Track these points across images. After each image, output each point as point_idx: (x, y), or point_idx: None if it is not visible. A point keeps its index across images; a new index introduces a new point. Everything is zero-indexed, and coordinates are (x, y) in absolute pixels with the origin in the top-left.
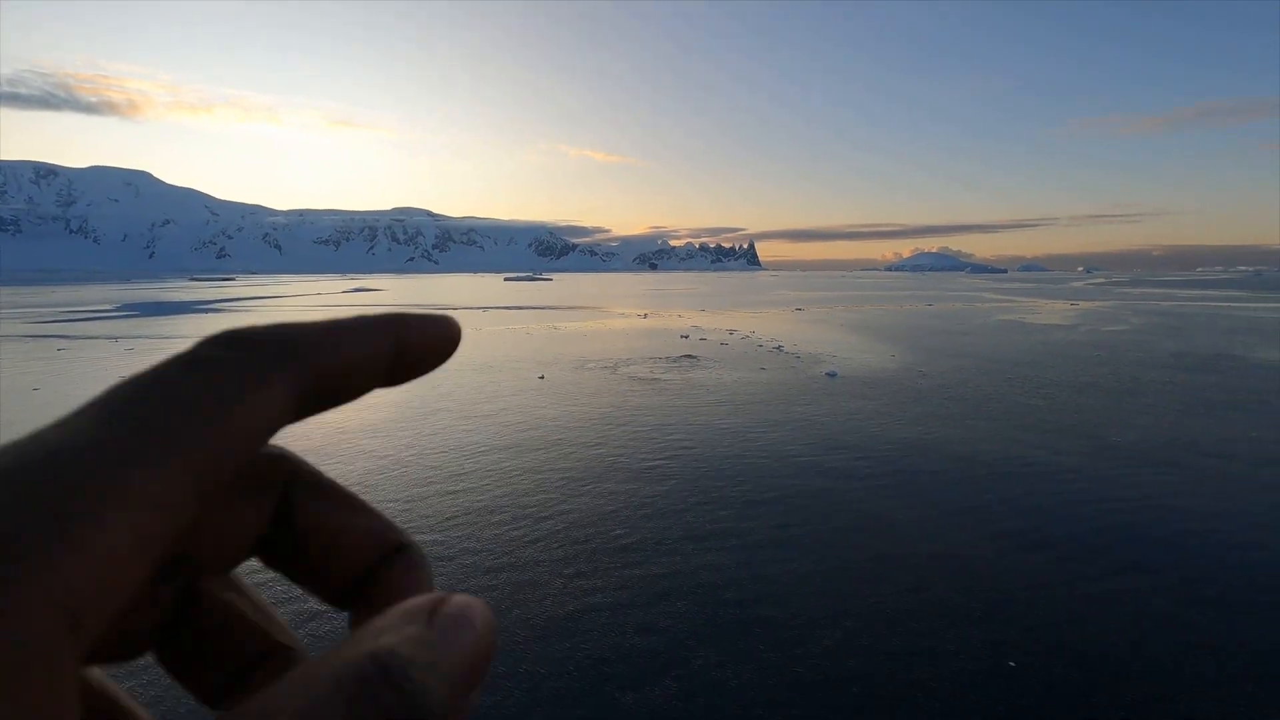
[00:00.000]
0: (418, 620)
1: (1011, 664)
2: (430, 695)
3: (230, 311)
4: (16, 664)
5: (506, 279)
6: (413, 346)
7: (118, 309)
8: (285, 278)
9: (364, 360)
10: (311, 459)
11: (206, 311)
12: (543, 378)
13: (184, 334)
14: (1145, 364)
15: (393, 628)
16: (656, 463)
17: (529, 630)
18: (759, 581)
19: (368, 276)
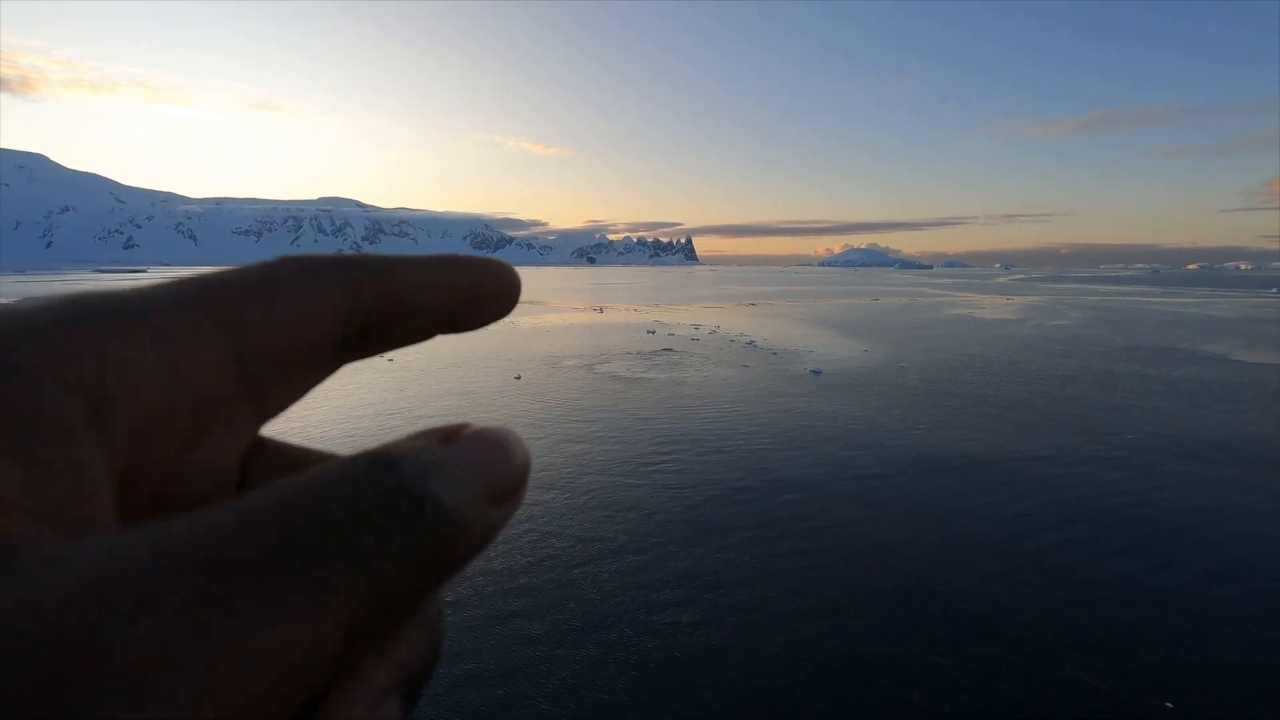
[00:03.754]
0: (428, 439)
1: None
2: (432, 486)
3: None
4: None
5: None
6: (488, 291)
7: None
8: (203, 270)
9: (434, 294)
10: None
11: None
12: (519, 377)
13: None
14: (1109, 357)
15: (400, 444)
16: (664, 471)
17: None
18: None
19: None
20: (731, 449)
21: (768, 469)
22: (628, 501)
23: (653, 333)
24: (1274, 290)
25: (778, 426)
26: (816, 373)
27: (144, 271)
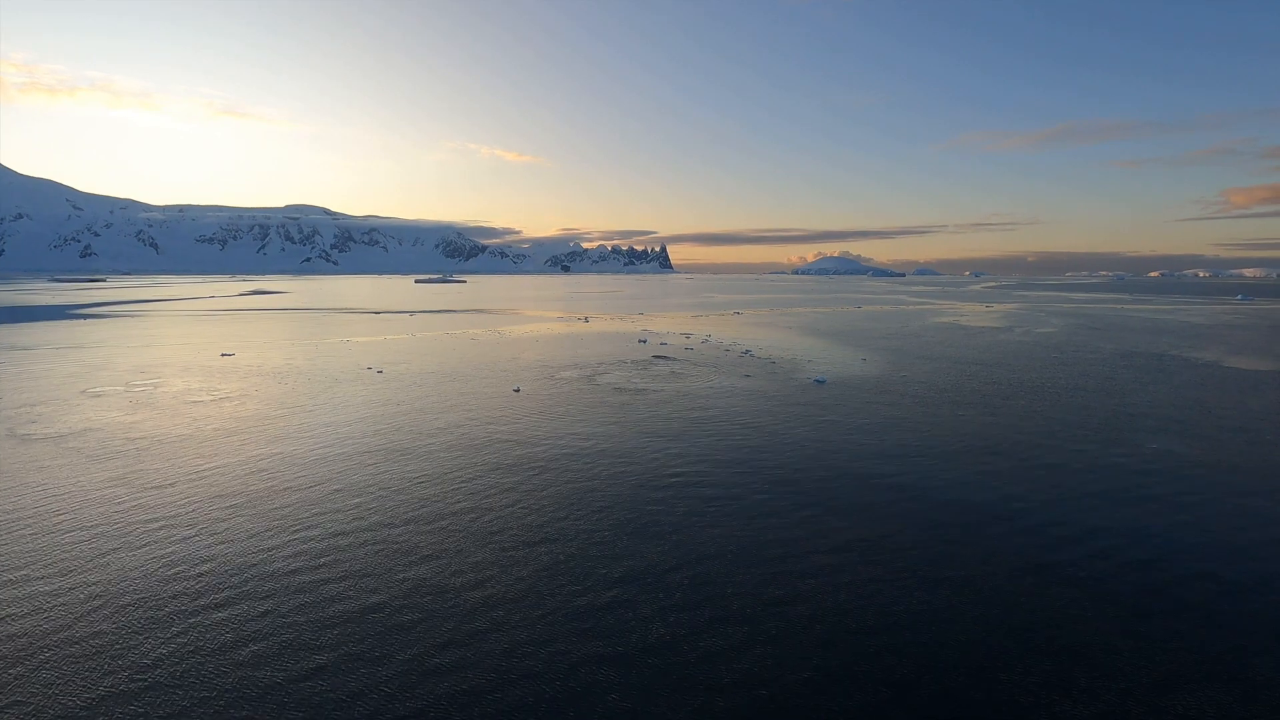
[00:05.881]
0: None
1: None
2: None
3: (108, 318)
4: None
5: (418, 281)
6: None
7: None
8: (165, 279)
9: None
10: (295, 495)
11: (78, 317)
12: (518, 390)
13: (56, 343)
14: (1107, 365)
15: None
16: (684, 490)
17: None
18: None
19: (261, 278)
20: (752, 464)
21: (794, 484)
22: (648, 524)
23: (644, 341)
24: (1239, 297)
25: (795, 440)
26: (821, 382)
27: (103, 281)
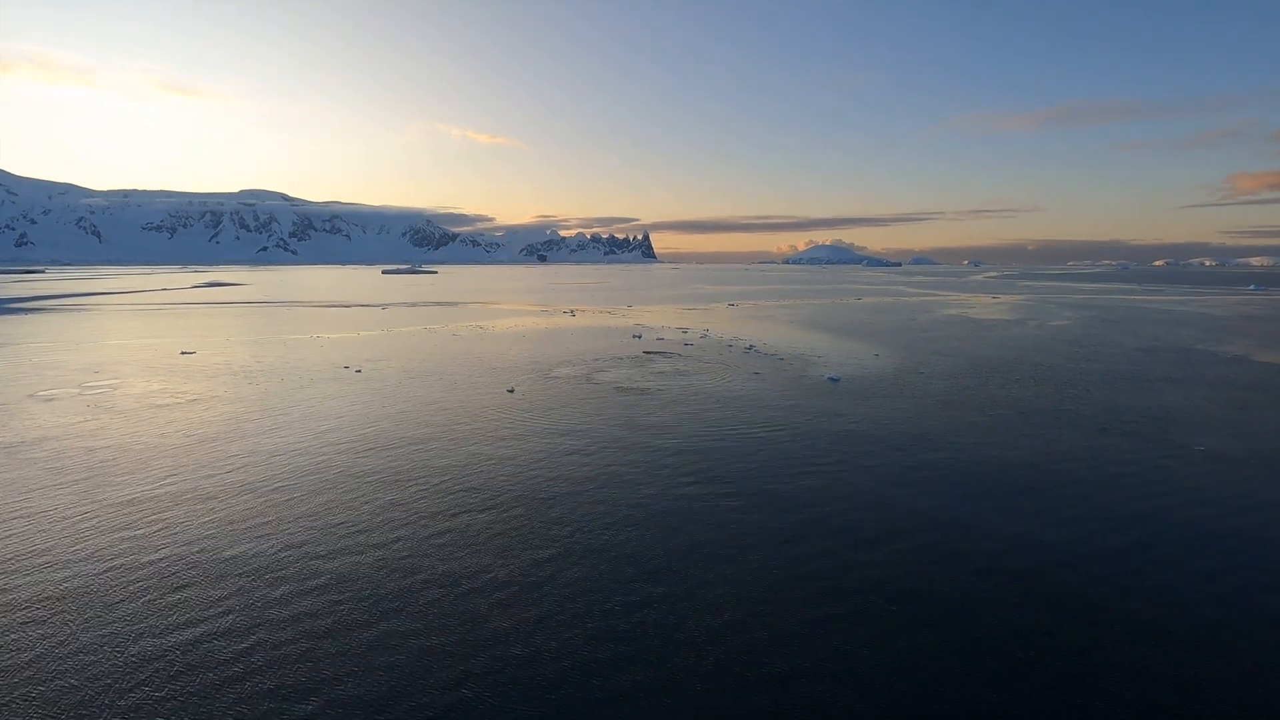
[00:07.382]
0: None
1: None
2: None
3: (51, 312)
4: None
5: (385, 271)
6: None
7: None
8: (109, 269)
9: None
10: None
11: (17, 312)
12: (512, 390)
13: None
14: (1133, 360)
15: None
16: (711, 505)
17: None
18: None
19: (215, 268)
20: (773, 470)
21: (821, 491)
22: (665, 531)
23: (639, 337)
24: (1251, 287)
25: (819, 445)
26: (835, 380)
27: (41, 271)
